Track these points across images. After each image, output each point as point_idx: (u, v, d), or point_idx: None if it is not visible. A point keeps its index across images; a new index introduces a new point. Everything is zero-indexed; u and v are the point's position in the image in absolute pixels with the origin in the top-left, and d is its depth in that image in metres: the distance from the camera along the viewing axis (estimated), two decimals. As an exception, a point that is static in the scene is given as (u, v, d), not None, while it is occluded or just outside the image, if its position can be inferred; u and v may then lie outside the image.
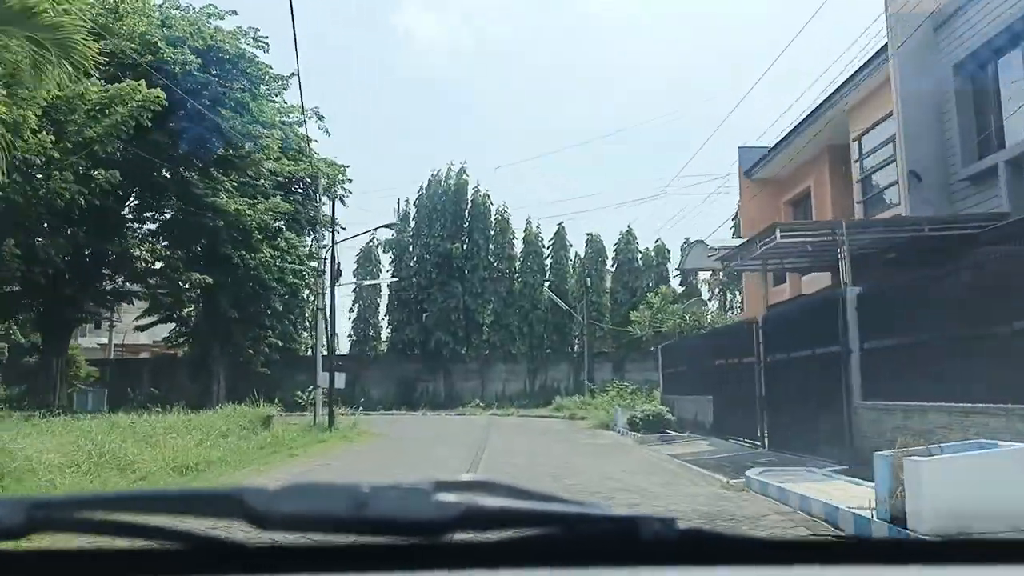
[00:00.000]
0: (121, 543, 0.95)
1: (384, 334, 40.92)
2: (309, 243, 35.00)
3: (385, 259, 40.63)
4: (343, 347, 45.43)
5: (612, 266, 38.50)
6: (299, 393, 36.79)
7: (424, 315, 38.78)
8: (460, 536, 0.95)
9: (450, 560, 0.96)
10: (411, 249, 39.94)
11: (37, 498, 1.04)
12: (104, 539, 0.95)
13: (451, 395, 37.97)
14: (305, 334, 39.38)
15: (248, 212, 23.03)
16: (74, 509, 0.96)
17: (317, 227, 34.01)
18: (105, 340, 44.69)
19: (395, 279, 38.87)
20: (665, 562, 0.98)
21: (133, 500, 1.05)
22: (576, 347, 38.13)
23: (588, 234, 38.74)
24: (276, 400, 35.91)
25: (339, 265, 19.96)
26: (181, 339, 34.01)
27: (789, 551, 1.06)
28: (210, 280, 24.56)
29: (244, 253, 24.92)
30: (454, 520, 0.90)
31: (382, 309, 40.69)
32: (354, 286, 40.27)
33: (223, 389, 33.00)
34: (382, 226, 21.80)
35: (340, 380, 21.86)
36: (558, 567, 0.96)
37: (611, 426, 22.19)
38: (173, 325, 33.61)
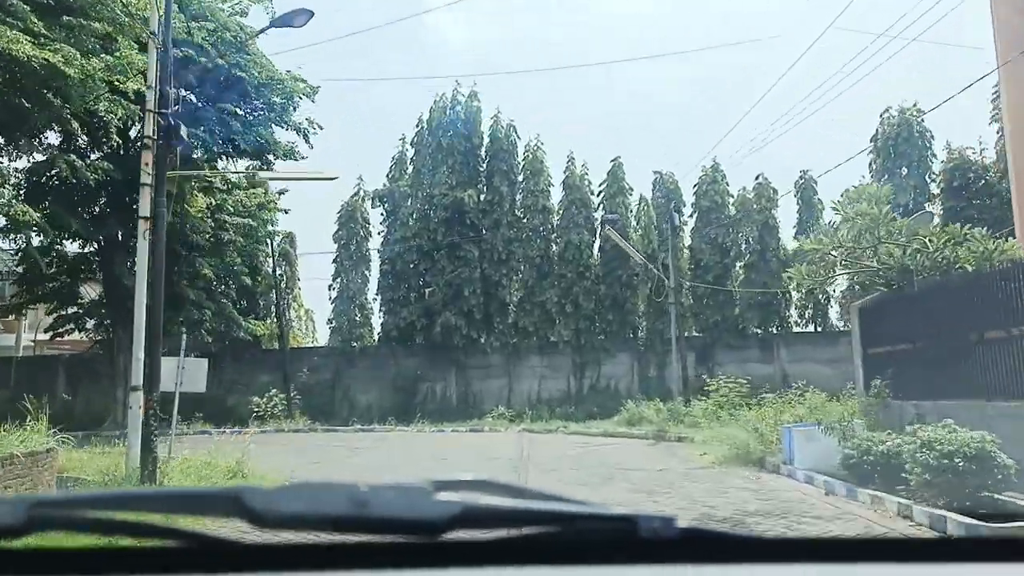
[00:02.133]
0: (121, 542, 0.93)
1: (375, 319, 29.91)
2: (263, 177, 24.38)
3: (375, 216, 29.68)
4: (322, 337, 34.77)
5: (691, 214, 27.32)
6: (257, 400, 26.92)
7: (428, 291, 27.90)
8: (459, 535, 0.93)
9: (449, 559, 0.94)
10: (409, 202, 29.01)
11: (37, 497, 0.89)
12: (104, 538, 0.93)
13: (465, 400, 27.21)
14: (257, 321, 28.66)
15: (76, 72, 11.79)
16: (74, 508, 0.96)
17: (264, 154, 23.62)
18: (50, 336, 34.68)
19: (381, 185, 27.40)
20: (664, 560, 0.96)
21: (133, 499, 1.04)
22: (642, 330, 27.06)
23: (656, 172, 27.54)
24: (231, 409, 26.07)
25: (174, 119, 8.89)
26: (67, 325, 23.43)
27: (788, 549, 1.04)
28: (36, 218, 13.64)
29: (77, 159, 13.83)
30: (453, 519, 0.89)
31: (372, 286, 29.63)
32: (335, 252, 29.37)
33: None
34: (274, 24, 10.64)
35: (199, 374, 10.79)
36: (558, 565, 0.94)
37: (779, 467, 11.27)
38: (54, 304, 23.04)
